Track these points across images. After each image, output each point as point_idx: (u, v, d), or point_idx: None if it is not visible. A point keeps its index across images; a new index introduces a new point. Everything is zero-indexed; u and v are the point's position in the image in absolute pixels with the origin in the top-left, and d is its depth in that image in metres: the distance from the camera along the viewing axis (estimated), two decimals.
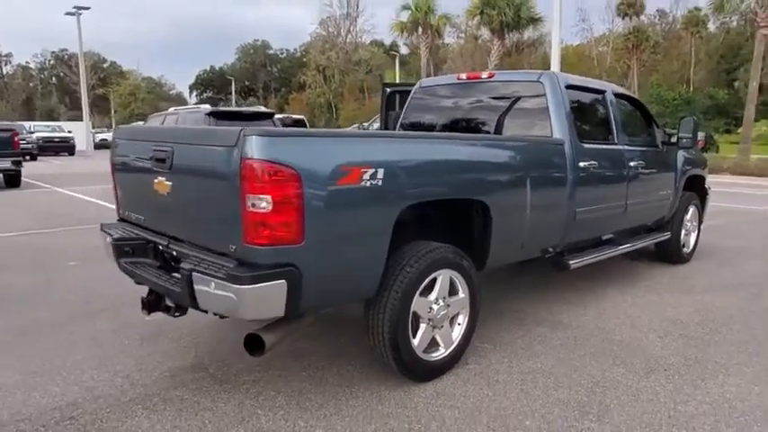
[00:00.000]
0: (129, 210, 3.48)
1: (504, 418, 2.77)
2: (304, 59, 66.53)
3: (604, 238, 4.70)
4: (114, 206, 3.69)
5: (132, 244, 3.23)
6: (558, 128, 4.02)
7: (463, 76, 4.74)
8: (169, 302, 3.06)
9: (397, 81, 40.06)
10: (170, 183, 2.89)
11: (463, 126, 4.60)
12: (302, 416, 2.78)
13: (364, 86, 60.46)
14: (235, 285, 2.42)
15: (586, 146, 4.16)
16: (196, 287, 2.58)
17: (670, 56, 47.04)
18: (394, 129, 5.20)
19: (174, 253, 2.97)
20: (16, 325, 4.02)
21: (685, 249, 5.89)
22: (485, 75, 4.61)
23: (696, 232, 6.08)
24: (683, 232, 5.77)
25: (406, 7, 30.42)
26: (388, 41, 67.28)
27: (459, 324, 3.30)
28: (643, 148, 4.99)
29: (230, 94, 70.67)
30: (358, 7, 61.27)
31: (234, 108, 19.95)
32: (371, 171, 2.67)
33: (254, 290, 2.42)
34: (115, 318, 4.18)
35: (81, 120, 36.57)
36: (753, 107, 21.35)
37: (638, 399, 2.98)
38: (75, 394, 2.99)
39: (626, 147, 4.71)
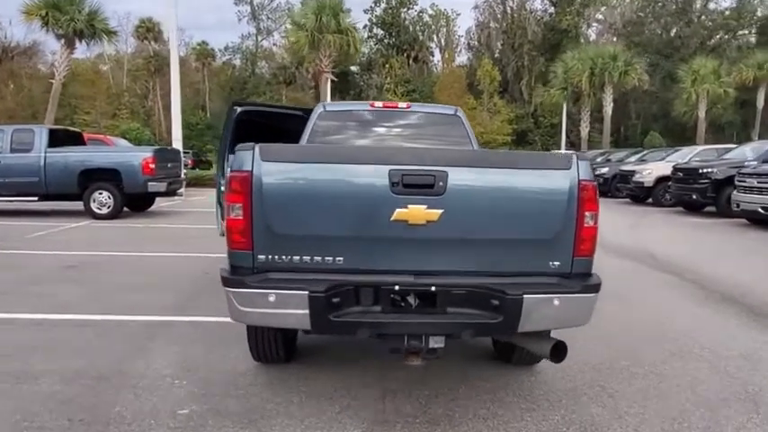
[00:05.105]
0: (290, 254, 2.68)
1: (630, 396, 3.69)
2: None
3: None
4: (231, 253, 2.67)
5: (343, 292, 2.61)
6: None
7: (379, 104, 5.15)
8: (436, 344, 2.69)
9: None
10: (440, 210, 2.62)
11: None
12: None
13: None
14: (591, 295, 2.67)
15: None
16: (525, 310, 2.60)
17: (183, 83, 50.28)
18: None
19: (433, 288, 2.67)
20: None
21: None
22: (402, 105, 5.18)
23: None
24: None
25: None
26: None
27: None
28: None
29: None
30: None
31: None
32: None
33: (595, 297, 2.73)
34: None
35: None
36: None
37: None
38: None
39: None
